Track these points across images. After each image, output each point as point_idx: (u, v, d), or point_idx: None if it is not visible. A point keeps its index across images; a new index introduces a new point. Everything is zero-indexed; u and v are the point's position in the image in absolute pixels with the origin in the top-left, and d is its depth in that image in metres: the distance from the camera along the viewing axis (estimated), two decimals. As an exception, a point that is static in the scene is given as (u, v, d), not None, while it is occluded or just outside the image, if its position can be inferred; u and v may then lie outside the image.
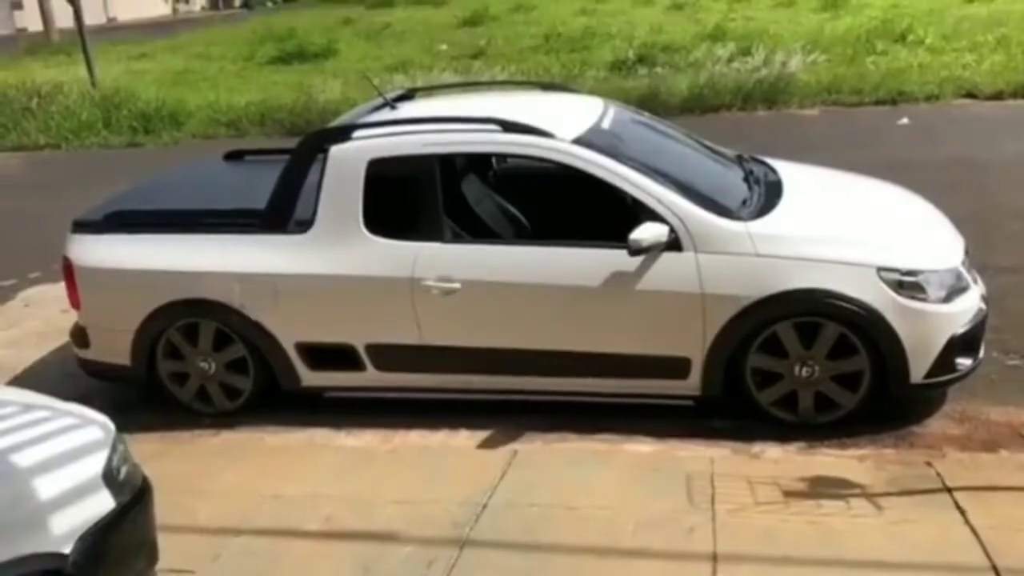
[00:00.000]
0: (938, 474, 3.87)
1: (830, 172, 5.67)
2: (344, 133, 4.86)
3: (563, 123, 4.73)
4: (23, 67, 19.73)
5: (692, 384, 4.48)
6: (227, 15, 38.81)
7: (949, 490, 3.72)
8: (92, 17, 30.81)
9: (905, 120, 10.87)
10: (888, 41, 15.02)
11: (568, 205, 4.96)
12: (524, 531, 3.63)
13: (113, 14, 39.66)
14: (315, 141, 4.92)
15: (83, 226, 5.13)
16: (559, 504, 3.82)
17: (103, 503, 2.69)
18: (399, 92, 5.74)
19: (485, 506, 3.83)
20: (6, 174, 12.21)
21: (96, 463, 2.72)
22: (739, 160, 5.39)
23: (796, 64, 12.83)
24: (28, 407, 2.87)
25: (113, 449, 2.81)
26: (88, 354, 5.16)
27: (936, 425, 4.45)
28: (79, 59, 15.44)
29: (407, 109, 5.28)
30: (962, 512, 3.55)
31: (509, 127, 4.61)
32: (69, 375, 5.50)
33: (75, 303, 5.10)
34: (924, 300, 4.23)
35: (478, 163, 5.43)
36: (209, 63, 19.73)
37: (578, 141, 4.59)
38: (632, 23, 19.76)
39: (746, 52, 14.16)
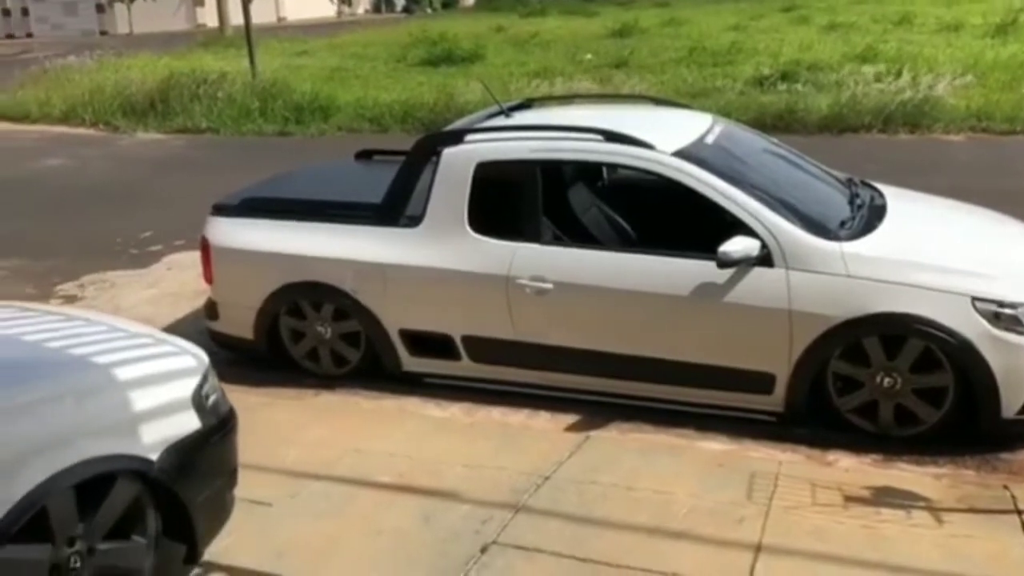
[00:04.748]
0: (1012, 496, 3.78)
1: (943, 200, 5.58)
2: (456, 137, 5.15)
3: (666, 135, 4.84)
4: (196, 58, 21.17)
5: (776, 400, 4.51)
6: (387, 18, 40.36)
7: (1020, 512, 3.63)
8: (264, 16, 32.74)
9: (1058, 151, 10.32)
10: (1058, 68, 14.20)
11: (668, 216, 5.04)
12: (579, 504, 3.78)
13: (283, 14, 41.96)
14: (430, 143, 5.22)
15: (221, 209, 5.59)
16: (619, 485, 3.95)
17: (189, 423, 3.03)
18: (517, 101, 6.01)
19: (548, 478, 4.01)
20: (169, 153, 13.22)
21: (186, 387, 3.07)
22: (848, 183, 5.36)
23: (944, 87, 12.33)
24: (134, 334, 3.26)
25: (204, 378, 3.15)
26: (217, 326, 5.59)
27: (1027, 452, 4.31)
28: (245, 52, 16.48)
29: (521, 117, 5.54)
30: (1028, 534, 3.47)
31: (611, 137, 4.76)
32: (198, 332, 5.99)
33: (208, 279, 5.56)
34: (1022, 333, 4.12)
35: (585, 171, 5.58)
36: (362, 62, 20.62)
37: (678, 154, 4.69)
38: (782, 40, 19.42)
39: (895, 74, 13.73)
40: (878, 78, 13.42)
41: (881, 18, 23.14)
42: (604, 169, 5.76)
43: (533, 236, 4.82)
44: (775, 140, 5.90)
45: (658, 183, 4.77)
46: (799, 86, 13.84)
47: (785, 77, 14.46)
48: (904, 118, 11.81)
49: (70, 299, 7.01)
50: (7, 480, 2.55)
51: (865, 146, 11.04)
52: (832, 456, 4.30)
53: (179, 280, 7.29)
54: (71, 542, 2.74)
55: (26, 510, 2.57)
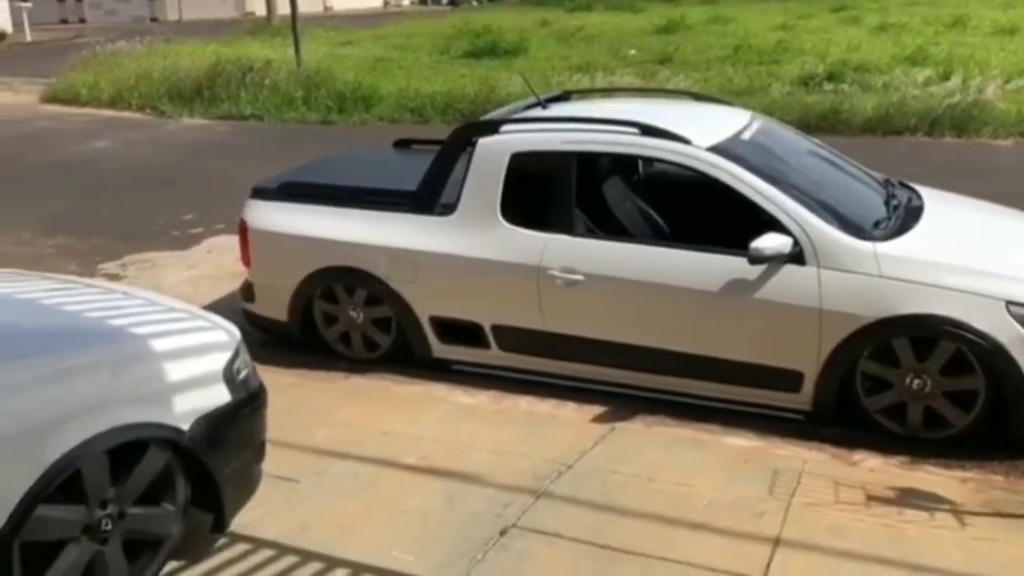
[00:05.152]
0: (1040, 502, 3.74)
1: (983, 203, 5.50)
2: (492, 127, 5.19)
3: (703, 130, 4.84)
4: (242, 45, 21.44)
5: (803, 398, 4.49)
6: (433, 11, 40.48)
7: (1046, 518, 3.60)
8: (310, 6, 33.10)
9: (1112, 158, 10.09)
10: (1122, 73, 13.85)
11: (701, 211, 5.05)
12: (600, 493, 3.82)
13: (330, 4, 42.41)
14: (465, 133, 5.28)
15: (260, 193, 5.69)
16: (641, 475, 3.98)
17: (220, 396, 3.12)
18: (555, 93, 6.03)
19: (570, 467, 4.05)
20: (213, 139, 13.44)
21: (218, 361, 3.16)
22: (885, 184, 5.33)
23: (994, 91, 12.10)
24: (169, 308, 3.36)
25: (236, 353, 3.24)
26: (252, 308, 5.69)
27: (1060, 459, 4.26)
28: (291, 41, 16.67)
29: (558, 109, 5.55)
30: (1053, 540, 3.44)
31: (647, 130, 4.77)
32: (234, 313, 6.09)
33: (246, 261, 5.66)
34: None
35: (619, 164, 5.58)
36: (406, 53, 20.74)
37: (714, 149, 4.69)
38: (830, 41, 19.18)
39: (945, 77, 13.51)
40: (927, 82, 13.20)
41: (934, 20, 22.74)
42: (639, 162, 5.77)
43: (565, 228, 4.85)
44: (814, 139, 5.86)
45: (693, 178, 4.77)
46: (845, 87, 13.67)
47: (831, 78, 14.29)
48: (951, 121, 11.59)
49: (112, 278, 7.18)
50: (43, 443, 2.64)
51: (909, 149, 10.88)
52: (858, 456, 4.27)
53: (218, 262, 7.43)
54: (103, 505, 2.83)
55: (60, 472, 2.67)
